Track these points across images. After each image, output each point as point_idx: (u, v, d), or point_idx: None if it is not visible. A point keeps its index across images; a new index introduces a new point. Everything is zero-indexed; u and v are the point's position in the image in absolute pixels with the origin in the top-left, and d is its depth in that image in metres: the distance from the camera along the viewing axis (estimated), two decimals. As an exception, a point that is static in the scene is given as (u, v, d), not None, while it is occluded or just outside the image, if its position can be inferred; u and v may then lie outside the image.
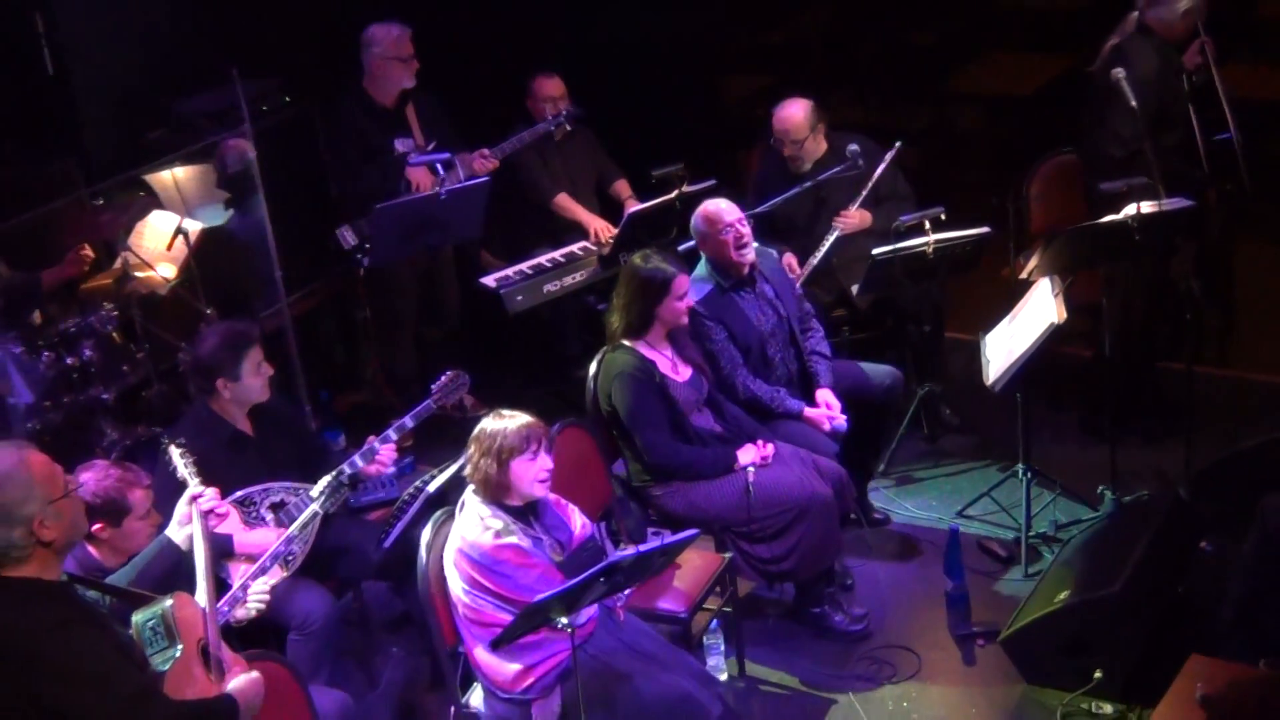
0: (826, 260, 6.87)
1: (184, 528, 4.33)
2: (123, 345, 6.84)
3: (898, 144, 6.95)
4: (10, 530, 3.62)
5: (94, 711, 3.65)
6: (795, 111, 6.96)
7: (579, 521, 5.14)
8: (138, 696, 3.74)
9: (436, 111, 7.35)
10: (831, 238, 6.83)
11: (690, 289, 5.94)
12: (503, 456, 4.82)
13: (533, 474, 4.87)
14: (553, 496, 5.09)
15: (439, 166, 6.99)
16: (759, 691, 5.75)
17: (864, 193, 6.85)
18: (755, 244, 6.15)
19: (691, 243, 6.73)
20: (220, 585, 4.84)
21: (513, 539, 4.81)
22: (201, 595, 4.23)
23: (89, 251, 6.93)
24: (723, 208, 6.08)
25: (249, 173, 6.97)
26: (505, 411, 4.94)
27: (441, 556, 5.03)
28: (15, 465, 3.69)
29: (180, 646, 3.92)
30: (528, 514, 4.97)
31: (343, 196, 7.25)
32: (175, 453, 4.86)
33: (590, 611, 4.86)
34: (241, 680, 4.03)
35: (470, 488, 4.94)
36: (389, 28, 7.14)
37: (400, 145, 7.17)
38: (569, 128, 7.44)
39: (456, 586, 4.85)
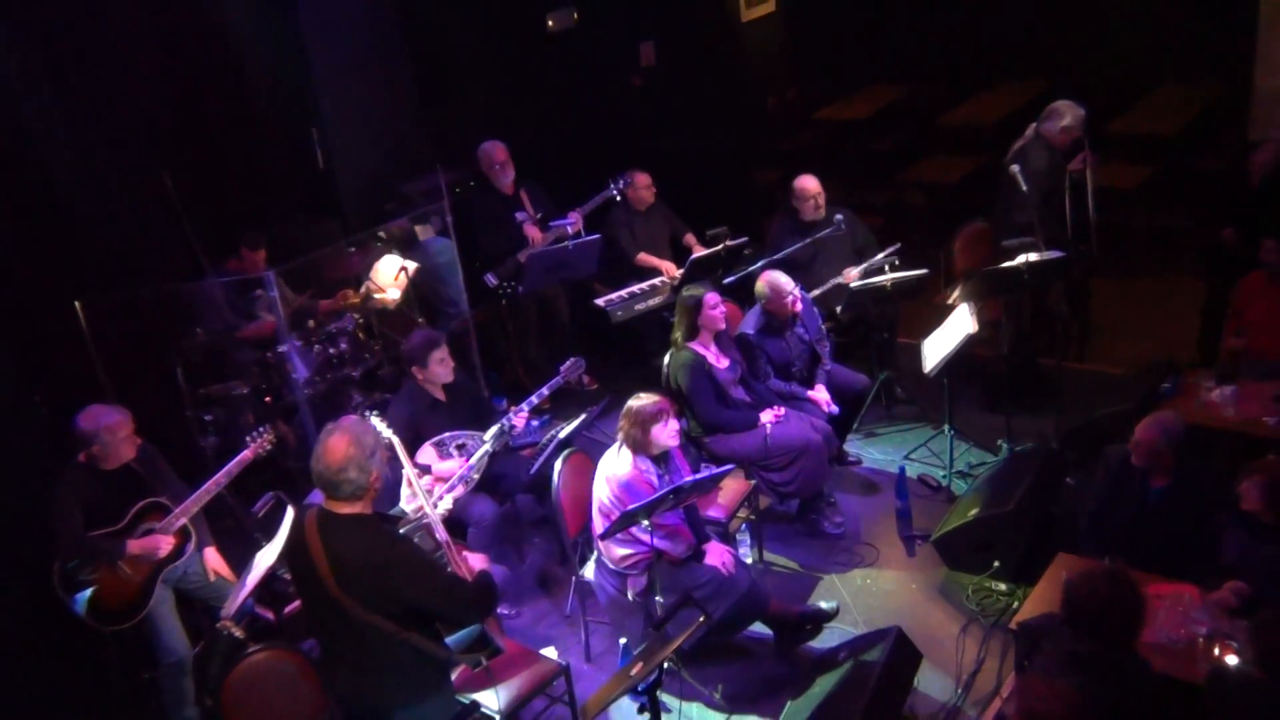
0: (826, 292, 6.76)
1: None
2: (365, 341, 6.86)
3: (899, 244, 6.64)
4: (365, 474, 3.47)
5: (435, 596, 3.54)
6: (813, 182, 6.79)
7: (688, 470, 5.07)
8: (455, 582, 3.66)
9: (540, 194, 7.28)
10: (832, 282, 6.68)
11: (748, 321, 6.02)
12: (646, 424, 4.76)
13: (666, 433, 4.80)
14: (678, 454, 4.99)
15: (568, 228, 7.00)
16: (773, 571, 5.71)
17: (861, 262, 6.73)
18: (799, 291, 6.01)
19: (735, 277, 6.72)
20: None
21: (650, 476, 4.79)
22: (428, 509, 4.19)
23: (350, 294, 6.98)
24: (783, 281, 5.91)
25: (447, 231, 6.98)
26: (643, 395, 4.84)
27: (565, 481, 5.04)
28: (371, 429, 3.57)
29: (443, 548, 3.84)
30: (660, 462, 4.90)
31: (482, 253, 7.23)
32: (377, 420, 4.79)
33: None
34: (479, 561, 3.92)
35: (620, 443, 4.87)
36: (487, 145, 7.13)
37: (519, 216, 7.15)
38: (619, 192, 7.21)
39: (604, 494, 4.80)
